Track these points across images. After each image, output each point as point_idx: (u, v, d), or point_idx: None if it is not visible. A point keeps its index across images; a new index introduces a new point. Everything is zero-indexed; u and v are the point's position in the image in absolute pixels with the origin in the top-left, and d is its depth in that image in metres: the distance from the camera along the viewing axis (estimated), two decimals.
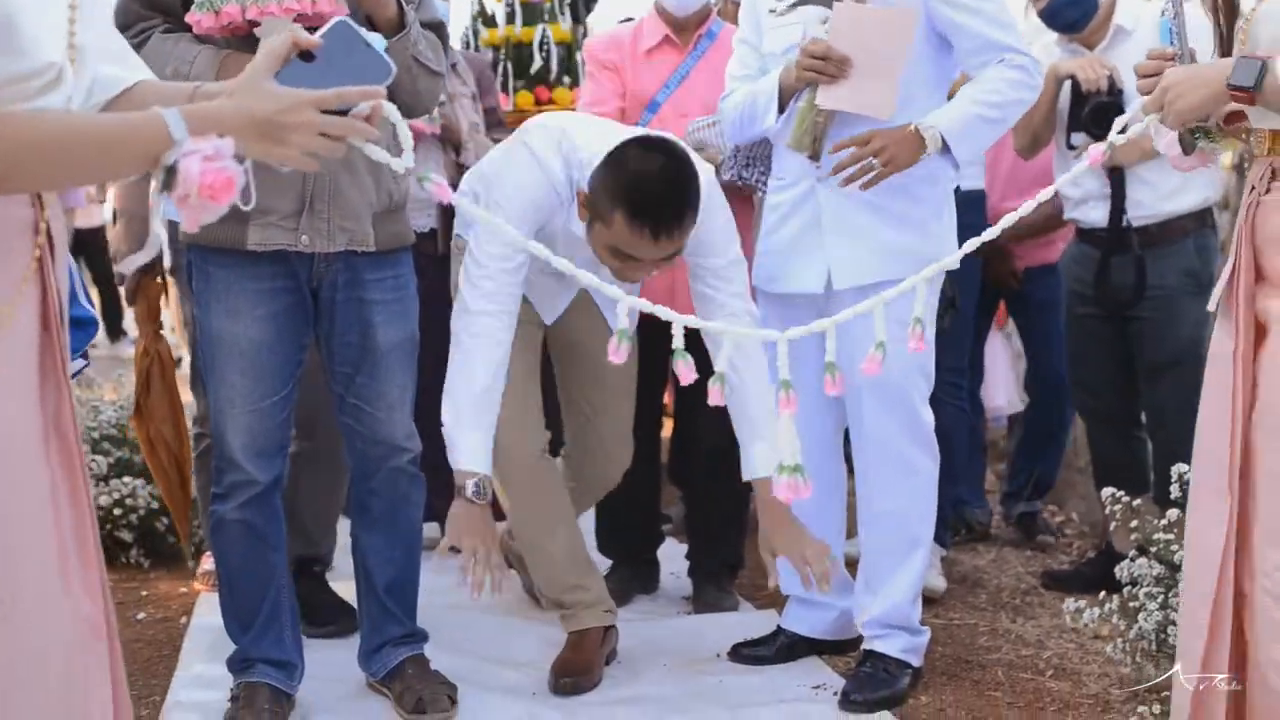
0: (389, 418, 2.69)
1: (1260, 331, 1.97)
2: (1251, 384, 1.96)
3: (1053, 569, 3.83)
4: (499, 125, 4.01)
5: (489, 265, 2.65)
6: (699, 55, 3.42)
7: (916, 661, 2.91)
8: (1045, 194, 2.06)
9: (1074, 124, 3.44)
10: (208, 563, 3.70)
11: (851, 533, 3.21)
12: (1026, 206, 2.03)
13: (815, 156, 2.80)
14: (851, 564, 3.07)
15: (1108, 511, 2.96)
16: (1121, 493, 2.91)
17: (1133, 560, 2.86)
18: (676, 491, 4.34)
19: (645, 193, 2.50)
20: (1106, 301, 3.51)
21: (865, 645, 2.92)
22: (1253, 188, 1.98)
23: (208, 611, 3.37)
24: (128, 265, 2.87)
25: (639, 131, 2.78)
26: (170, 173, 1.40)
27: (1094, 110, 3.37)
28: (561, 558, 2.97)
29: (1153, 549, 2.79)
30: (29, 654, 1.44)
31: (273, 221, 2.49)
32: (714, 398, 1.89)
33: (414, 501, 2.78)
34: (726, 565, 3.50)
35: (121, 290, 2.98)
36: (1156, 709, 2.59)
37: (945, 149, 2.71)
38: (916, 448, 2.87)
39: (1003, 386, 4.77)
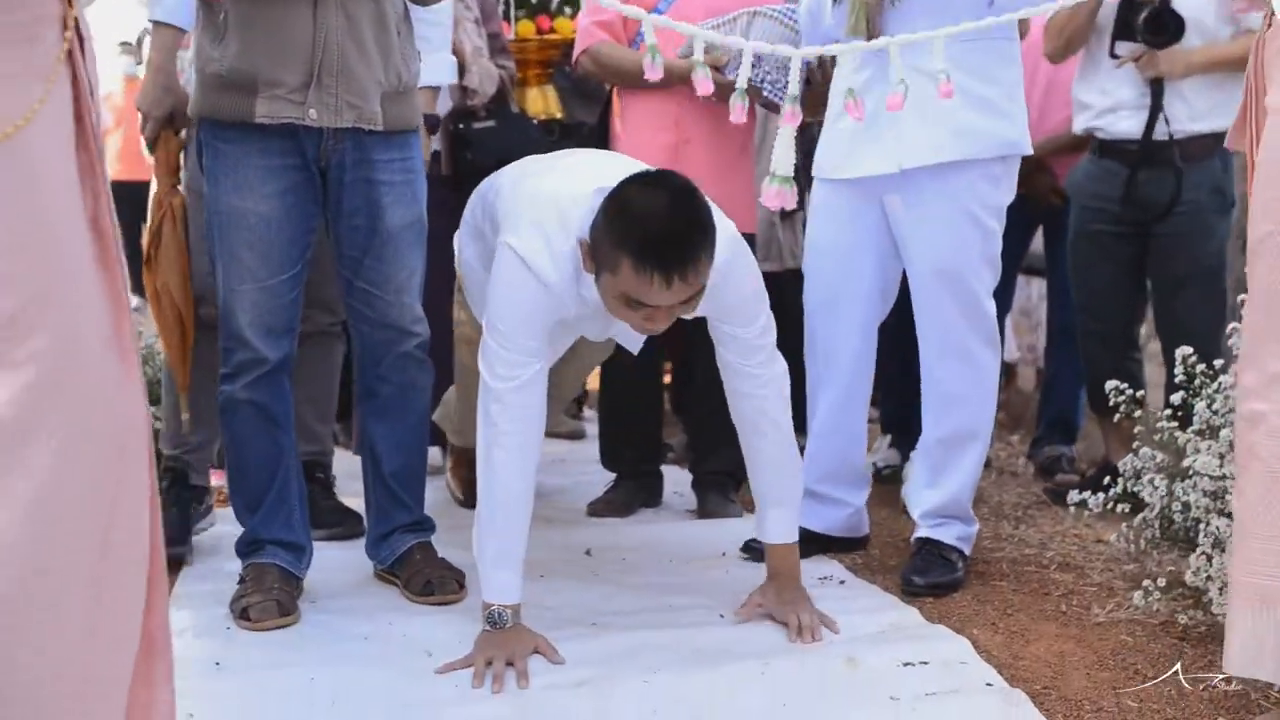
0: (397, 301, 2.69)
1: None
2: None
3: (1055, 482, 3.85)
4: (503, 51, 4.02)
5: (507, 383, 2.40)
6: None
7: (968, 550, 2.95)
8: None
9: (1120, 31, 3.45)
10: (215, 478, 3.70)
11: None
12: None
13: (872, 35, 2.80)
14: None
15: (1111, 404, 2.97)
16: (1125, 385, 2.93)
17: (1135, 452, 2.87)
18: (679, 425, 4.37)
19: (651, 233, 2.21)
20: (1134, 215, 3.53)
21: (921, 533, 2.94)
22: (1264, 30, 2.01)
23: (216, 520, 3.39)
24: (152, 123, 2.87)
25: (635, 166, 2.49)
26: None
27: (1151, 17, 3.39)
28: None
29: (1156, 436, 2.81)
30: (82, 431, 1.43)
31: (280, 95, 2.50)
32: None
33: (422, 387, 2.78)
34: (729, 475, 3.51)
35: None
36: (1157, 593, 2.61)
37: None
38: (979, 338, 2.87)
39: (1008, 334, 4.80)
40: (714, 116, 3.32)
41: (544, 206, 2.44)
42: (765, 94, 3.19)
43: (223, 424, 2.69)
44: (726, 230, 2.40)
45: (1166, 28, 3.37)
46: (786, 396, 2.60)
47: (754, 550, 3.03)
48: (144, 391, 1.56)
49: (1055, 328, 4.38)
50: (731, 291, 2.46)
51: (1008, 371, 5.45)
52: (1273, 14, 1.96)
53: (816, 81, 3.19)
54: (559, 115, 4.07)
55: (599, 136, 3.66)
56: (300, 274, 2.62)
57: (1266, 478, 1.90)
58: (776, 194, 2.19)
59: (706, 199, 2.33)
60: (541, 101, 4.11)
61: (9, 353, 1.37)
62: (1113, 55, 3.47)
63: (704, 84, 2.42)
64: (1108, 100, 3.51)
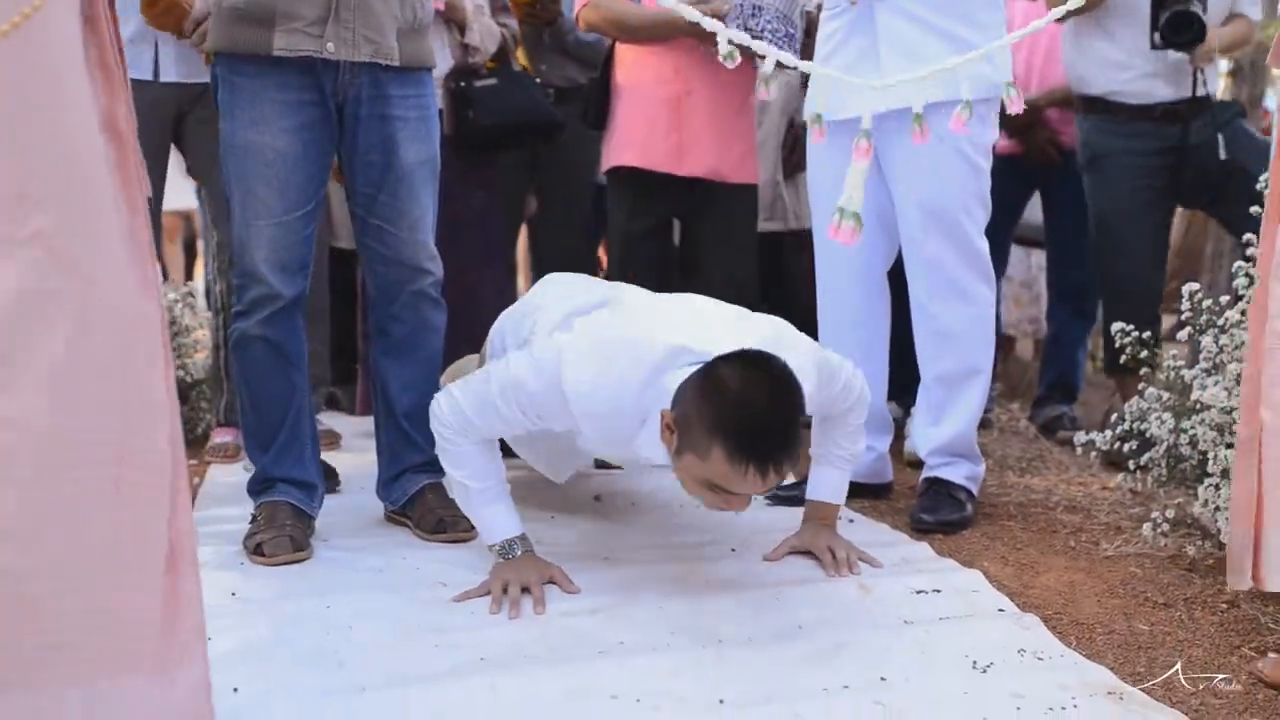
0: (411, 238, 2.70)
1: None
2: None
3: (1058, 439, 3.87)
4: (504, 10, 4.03)
5: (457, 441, 2.39)
6: None
7: (976, 489, 2.97)
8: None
9: (1155, 25, 3.54)
10: (217, 437, 3.71)
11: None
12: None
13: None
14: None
15: (1118, 345, 2.99)
16: (1131, 326, 2.95)
17: (1142, 394, 2.89)
18: None
19: (750, 426, 2.06)
20: (1187, 176, 3.62)
21: (929, 473, 2.97)
22: None
23: (221, 475, 3.41)
24: None
25: (731, 326, 2.33)
26: None
27: (1172, 19, 3.46)
28: None
29: (1161, 375, 2.83)
30: (97, 314, 1.43)
31: (298, 28, 2.51)
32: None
33: (435, 326, 2.79)
34: None
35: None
36: (1165, 525, 2.63)
37: None
38: (973, 274, 2.89)
39: (1004, 304, 4.82)
40: (715, 68, 3.34)
41: (621, 338, 2.30)
42: (767, 42, 3.20)
43: (235, 361, 2.68)
44: (806, 357, 2.30)
45: (1188, 28, 3.45)
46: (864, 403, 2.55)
47: (779, 497, 3.04)
48: (160, 296, 1.56)
49: (1056, 290, 4.40)
50: (824, 403, 2.40)
51: (1005, 342, 5.47)
52: None
53: (816, 31, 3.20)
54: (528, 69, 4.11)
55: (600, 90, 3.66)
56: (314, 211, 2.62)
57: None
58: (849, 231, 2.19)
59: (798, 380, 2.16)
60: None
61: (14, 232, 1.36)
62: (1154, 47, 3.54)
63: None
64: (1146, 66, 3.58)
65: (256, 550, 2.54)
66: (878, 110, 2.79)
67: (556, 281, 2.85)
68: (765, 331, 2.33)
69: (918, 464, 3.36)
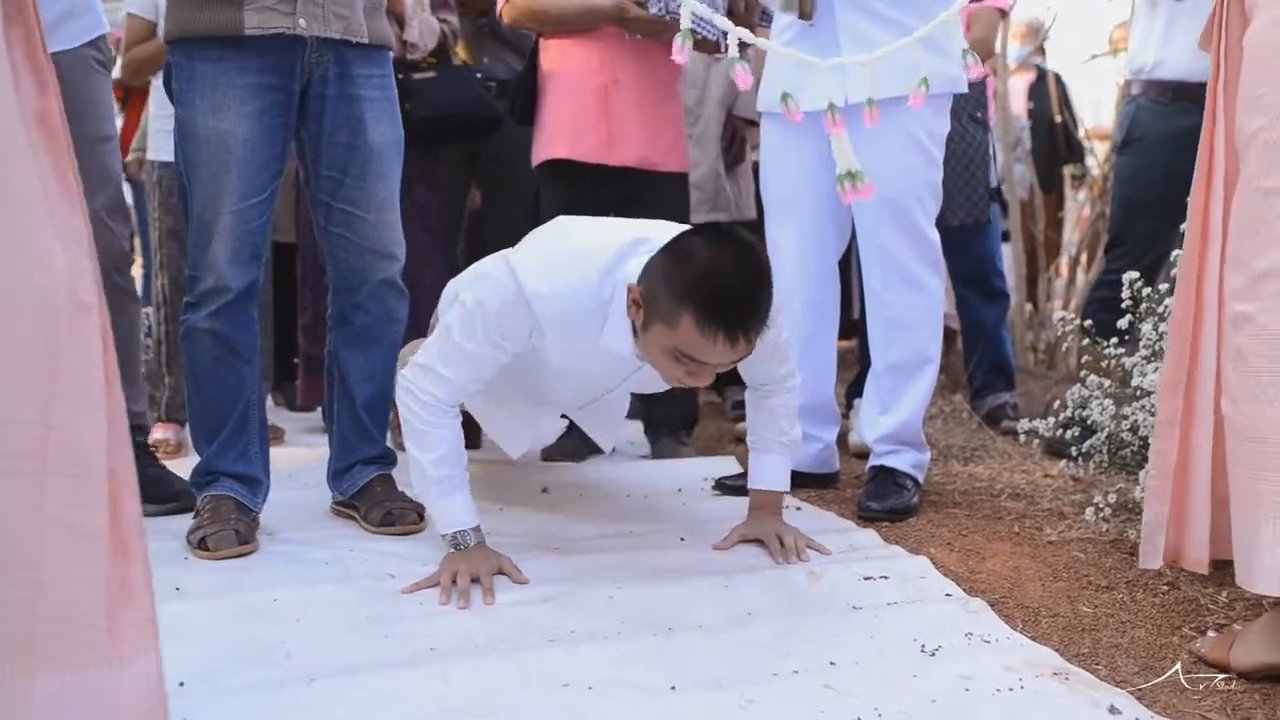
0: (379, 220, 2.66)
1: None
2: (1230, 117, 2.01)
3: (1002, 430, 3.91)
4: (444, 5, 4.01)
5: (425, 417, 2.35)
6: None
7: (922, 477, 3.00)
8: None
9: None
10: (158, 432, 3.67)
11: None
12: None
13: (806, 15, 2.85)
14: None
15: (1059, 334, 3.03)
16: (1071, 315, 2.99)
17: (1083, 382, 2.93)
18: None
19: (719, 289, 2.09)
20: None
21: (875, 461, 2.99)
22: None
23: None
24: None
25: (669, 225, 2.37)
26: None
27: None
28: None
29: (1104, 363, 2.87)
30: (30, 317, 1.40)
31: (268, 5, 2.48)
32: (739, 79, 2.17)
33: (399, 317, 2.76)
34: (681, 416, 3.54)
35: None
36: (1108, 509, 2.67)
37: None
38: (924, 264, 2.92)
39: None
40: (641, 56, 3.35)
41: (570, 246, 2.33)
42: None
43: (184, 353, 2.64)
44: None
45: None
46: (797, 373, 2.58)
47: (725, 487, 3.05)
48: (99, 287, 1.52)
49: (958, 278, 4.41)
50: (769, 340, 2.36)
51: (948, 333, 5.51)
52: None
53: (740, 13, 3.22)
54: (467, 62, 4.07)
55: (527, 84, 3.64)
56: (270, 199, 2.58)
57: (1250, 379, 1.89)
58: (865, 189, 2.23)
59: (764, 252, 2.22)
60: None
61: None
62: None
63: (679, 54, 2.36)
64: (1178, 39, 3.62)
65: (200, 545, 2.51)
66: (836, 103, 2.81)
67: None
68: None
69: (863, 455, 3.40)
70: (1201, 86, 3.71)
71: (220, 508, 2.58)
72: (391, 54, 2.72)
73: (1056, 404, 2.95)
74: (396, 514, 2.69)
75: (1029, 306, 5.46)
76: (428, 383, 2.34)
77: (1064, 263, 6.14)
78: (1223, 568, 2.18)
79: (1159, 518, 2.14)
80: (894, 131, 2.80)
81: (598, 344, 2.29)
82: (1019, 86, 6.81)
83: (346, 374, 2.76)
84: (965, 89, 2.91)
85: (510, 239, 4.23)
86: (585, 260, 2.28)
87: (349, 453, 2.79)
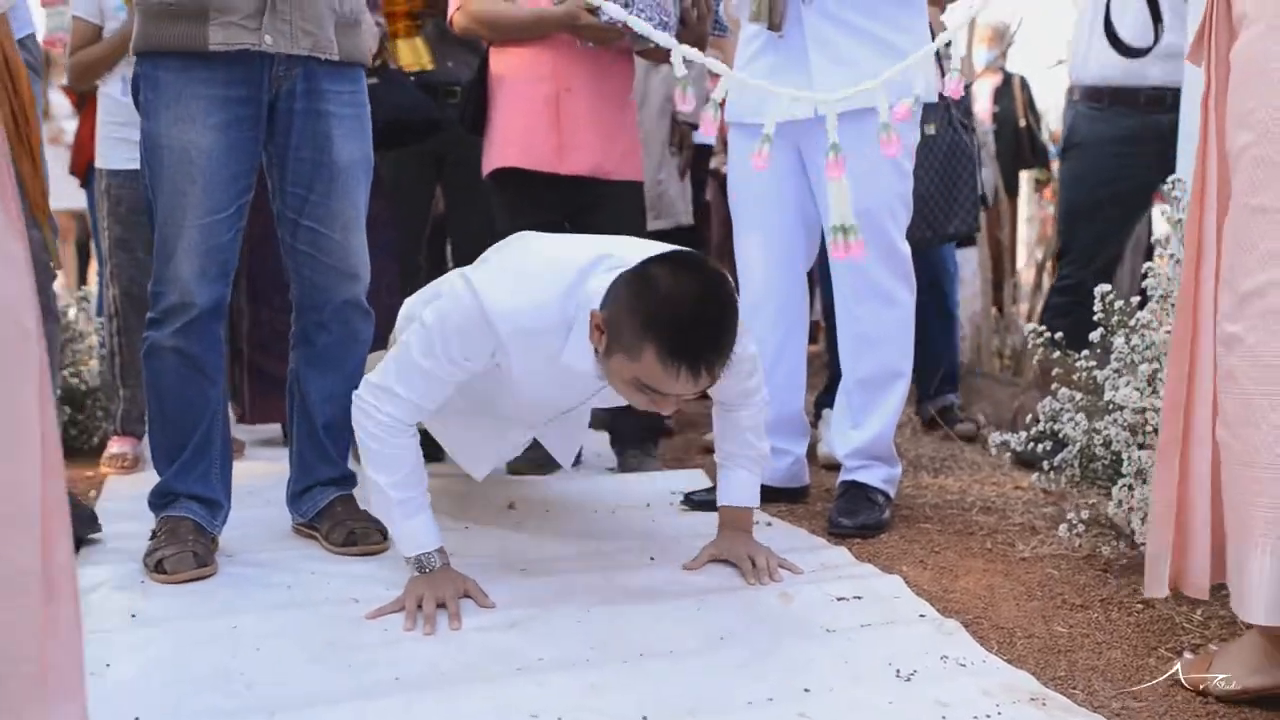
0: (344, 240, 2.60)
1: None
2: (1220, 130, 1.98)
3: (958, 433, 3.89)
4: (374, 7, 3.94)
5: (380, 437, 2.29)
6: None
7: (893, 492, 2.97)
8: None
9: None
10: (114, 446, 3.59)
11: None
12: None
13: (774, 26, 2.82)
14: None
15: (1029, 346, 3.01)
16: (1042, 327, 2.96)
17: (1054, 394, 2.91)
18: None
19: (682, 322, 2.04)
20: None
21: (846, 476, 2.96)
22: None
23: (119, 489, 3.30)
24: None
25: (649, 245, 2.30)
26: None
27: None
28: None
29: (1074, 377, 2.84)
30: None
31: (234, 21, 2.41)
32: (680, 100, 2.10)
33: (363, 338, 2.70)
34: (648, 429, 3.49)
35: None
36: (1080, 526, 2.64)
37: None
38: (895, 279, 2.89)
39: None
40: (593, 64, 3.29)
41: (531, 263, 2.28)
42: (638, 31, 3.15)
43: (146, 370, 2.56)
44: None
45: None
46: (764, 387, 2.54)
47: (694, 502, 3.01)
48: (35, 309, 1.46)
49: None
50: (736, 354, 2.24)
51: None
52: None
53: (692, 21, 3.17)
54: (430, 66, 3.98)
55: (477, 92, 3.58)
56: (237, 214, 2.51)
57: (1243, 403, 1.87)
58: (857, 246, 2.18)
59: (730, 283, 2.17)
60: (411, 54, 4.00)
61: None
62: None
63: (709, 126, 2.30)
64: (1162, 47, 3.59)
65: (158, 567, 2.44)
66: (807, 116, 2.78)
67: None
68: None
69: (833, 467, 3.36)
70: (1135, 91, 3.76)
71: (178, 529, 2.52)
72: (363, 70, 2.66)
73: (1028, 417, 2.92)
74: (359, 533, 2.63)
75: (994, 310, 5.45)
76: (384, 403, 2.29)
77: (1021, 265, 6.15)
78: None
79: (1163, 546, 2.10)
80: (864, 143, 2.76)
81: (560, 361, 2.24)
82: (984, 90, 6.81)
83: (307, 394, 2.70)
84: (935, 99, 2.88)
85: (472, 244, 4.21)
86: (548, 277, 2.23)
87: (308, 474, 2.73)
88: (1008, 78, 6.93)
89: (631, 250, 2.23)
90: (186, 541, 2.48)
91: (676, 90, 2.15)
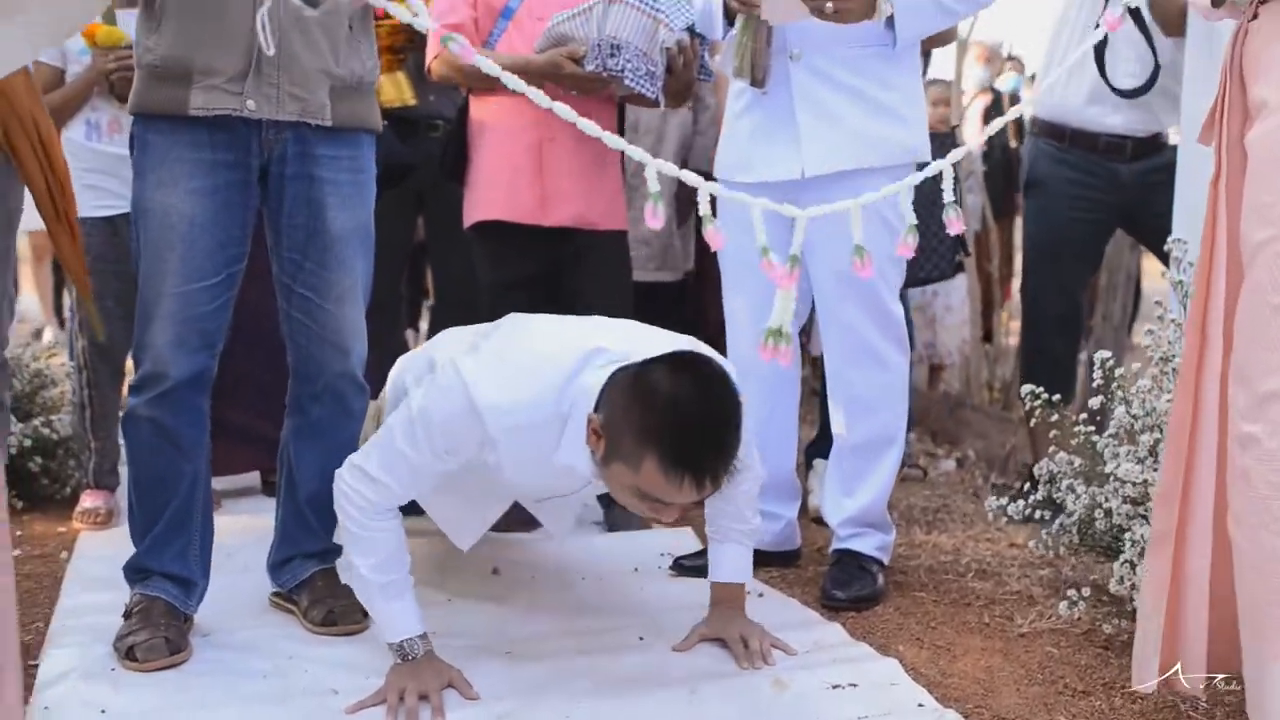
0: (338, 311, 2.51)
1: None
2: (1231, 215, 1.92)
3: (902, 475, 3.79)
4: None
5: (362, 522, 2.23)
6: None
7: (887, 559, 2.89)
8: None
9: None
10: (87, 500, 3.49)
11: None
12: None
13: (758, 83, 2.74)
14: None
15: (1027, 409, 2.94)
16: (1041, 389, 2.90)
17: (1052, 457, 2.84)
18: None
19: (684, 434, 1.97)
20: (1128, 211, 3.62)
21: (839, 544, 2.88)
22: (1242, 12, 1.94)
23: (91, 548, 3.19)
24: None
25: (644, 334, 2.25)
26: None
27: None
28: None
29: (1073, 441, 2.78)
30: None
31: (216, 84, 2.32)
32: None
33: (356, 414, 2.61)
34: None
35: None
36: (1080, 600, 2.57)
37: (890, 23, 2.66)
38: (887, 341, 2.81)
39: None
40: (577, 112, 3.18)
41: (524, 355, 2.21)
42: (627, 82, 3.07)
43: (124, 437, 2.49)
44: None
45: None
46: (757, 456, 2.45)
47: (683, 567, 2.94)
48: None
49: None
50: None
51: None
52: (1261, 1, 1.87)
53: (678, 69, 3.09)
54: (412, 101, 3.88)
55: (458, 138, 3.48)
56: (225, 284, 2.42)
57: (1258, 505, 1.81)
58: (784, 352, 2.09)
59: (733, 382, 2.11)
60: (393, 89, 3.91)
61: None
62: None
63: (653, 219, 2.10)
64: (1087, 90, 3.53)
65: (128, 654, 2.34)
66: (794, 176, 2.71)
67: (454, 329, 2.73)
68: (682, 343, 2.23)
69: (823, 521, 3.29)
70: (1094, 135, 3.68)
71: (151, 611, 2.42)
72: (370, 135, 2.55)
73: (1025, 485, 2.85)
74: (339, 612, 2.55)
75: (984, 342, 5.39)
76: (365, 487, 2.21)
77: (1016, 287, 6.08)
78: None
79: (1152, 636, 2.04)
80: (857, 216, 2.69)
81: (554, 460, 2.16)
82: (973, 110, 6.75)
83: (296, 464, 2.61)
84: (928, 158, 2.80)
85: (454, 286, 4.12)
86: (541, 371, 2.15)
87: (290, 544, 2.65)
88: (997, 97, 6.87)
89: (628, 341, 2.16)
90: (159, 625, 2.39)
91: (648, 205, 2.03)
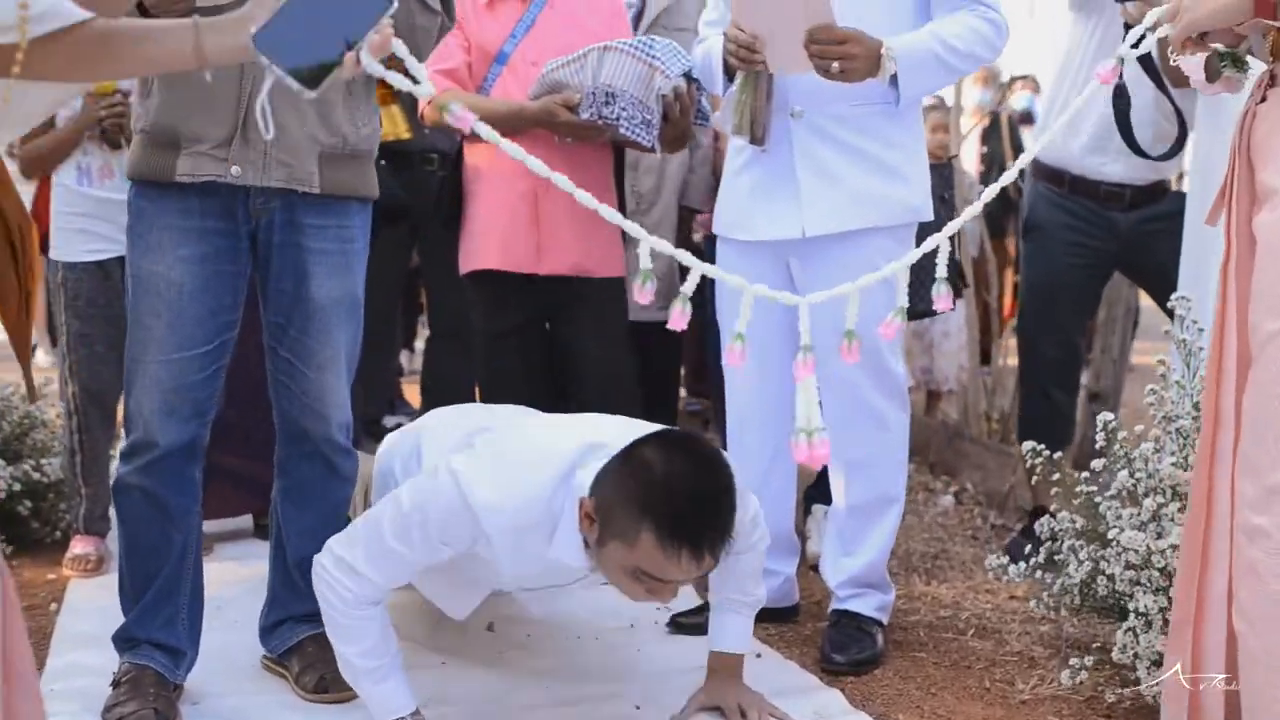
0: (319, 379, 2.48)
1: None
2: (1240, 300, 1.88)
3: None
4: None
5: (345, 611, 2.21)
6: (543, 2, 3.25)
7: (886, 620, 2.86)
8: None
9: None
10: (77, 547, 3.45)
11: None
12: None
13: (757, 141, 2.70)
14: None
15: (1028, 465, 2.91)
16: (1042, 445, 2.86)
17: (1053, 515, 2.81)
18: None
19: (680, 506, 1.97)
20: (1127, 261, 3.59)
21: (838, 605, 2.85)
22: (1250, 94, 1.90)
23: (80, 599, 3.15)
24: None
25: (624, 426, 2.23)
26: None
27: None
28: None
29: (1075, 500, 2.75)
30: None
31: (203, 150, 2.30)
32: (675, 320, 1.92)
33: (344, 474, 2.57)
34: None
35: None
36: (1082, 669, 2.53)
37: (893, 81, 2.62)
38: (887, 399, 2.78)
39: None
40: (571, 159, 3.14)
41: (519, 453, 2.20)
42: (622, 131, 3.04)
43: (114, 505, 2.47)
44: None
45: None
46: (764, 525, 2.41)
47: (680, 625, 2.91)
48: None
49: None
50: (741, 534, 2.19)
51: None
52: (1270, 84, 1.85)
53: (675, 117, 3.06)
54: (407, 135, 3.84)
55: (453, 185, 3.44)
56: (216, 352, 2.39)
57: (1266, 600, 1.78)
58: (812, 447, 2.05)
59: (725, 458, 2.11)
60: (388, 123, 3.87)
61: None
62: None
63: (642, 295, 2.00)
64: (1087, 138, 3.48)
65: None
66: (795, 236, 2.67)
67: (444, 411, 2.69)
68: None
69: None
70: (1095, 184, 3.63)
71: (140, 681, 2.39)
72: (363, 204, 2.51)
73: (1028, 548, 2.81)
74: (330, 679, 2.50)
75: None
76: (348, 579, 2.18)
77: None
78: None
79: None
80: (856, 263, 2.65)
81: (547, 555, 2.13)
82: (973, 136, 6.72)
83: (284, 527, 2.58)
84: (930, 217, 2.77)
85: (450, 319, 4.07)
86: (536, 470, 2.13)
87: (281, 608, 2.62)
88: (995, 118, 6.83)
89: (624, 439, 2.12)
90: (148, 696, 2.35)
91: (635, 283, 1.99)
